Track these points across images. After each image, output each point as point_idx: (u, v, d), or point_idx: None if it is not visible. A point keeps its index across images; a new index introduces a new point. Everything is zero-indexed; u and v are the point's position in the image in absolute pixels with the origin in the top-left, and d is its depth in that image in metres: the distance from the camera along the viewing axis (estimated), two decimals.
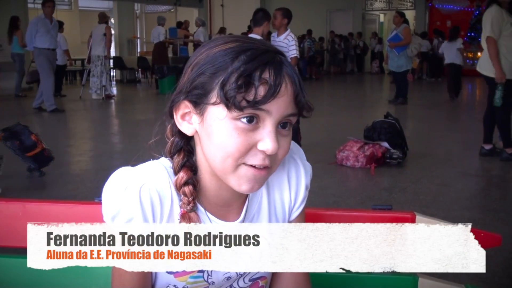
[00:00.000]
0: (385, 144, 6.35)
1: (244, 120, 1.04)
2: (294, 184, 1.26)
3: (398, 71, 12.30)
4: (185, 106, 1.11)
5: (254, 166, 1.08)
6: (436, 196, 5.12)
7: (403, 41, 11.82)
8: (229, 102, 1.03)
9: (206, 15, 23.29)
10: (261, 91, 1.02)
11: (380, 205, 1.63)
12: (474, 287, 1.55)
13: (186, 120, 1.13)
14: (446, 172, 6.12)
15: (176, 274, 1.17)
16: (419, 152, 6.94)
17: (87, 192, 5.05)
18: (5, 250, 1.70)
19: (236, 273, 1.22)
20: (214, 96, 1.06)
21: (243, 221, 1.20)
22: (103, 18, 13.78)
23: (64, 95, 14.73)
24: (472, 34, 22.38)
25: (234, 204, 1.20)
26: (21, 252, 1.74)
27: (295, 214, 1.28)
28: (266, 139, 1.05)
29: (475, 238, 1.53)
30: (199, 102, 1.08)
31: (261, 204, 1.24)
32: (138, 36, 23.90)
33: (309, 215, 1.49)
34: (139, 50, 23.24)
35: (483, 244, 1.55)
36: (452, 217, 4.18)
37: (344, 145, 6.41)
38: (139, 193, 1.10)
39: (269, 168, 1.10)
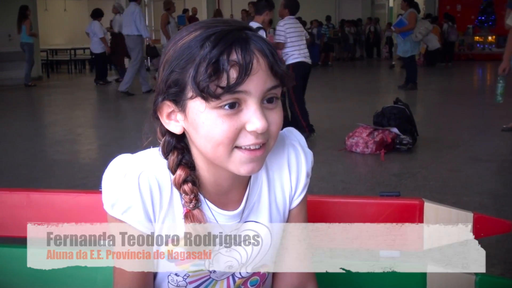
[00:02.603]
0: (395, 130, 6.31)
1: (226, 107, 1.02)
2: (294, 171, 1.25)
3: (404, 56, 12.27)
4: (168, 106, 1.10)
5: (248, 149, 1.06)
6: (446, 181, 5.09)
7: (406, 26, 11.74)
8: (204, 93, 1.01)
9: (214, 2, 23.19)
10: (233, 73, 1.01)
11: (387, 192, 1.61)
12: (484, 274, 1.52)
13: (172, 119, 1.12)
14: (456, 157, 6.09)
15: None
16: (429, 138, 6.90)
17: (96, 181, 5.03)
18: (10, 240, 1.69)
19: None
20: (190, 91, 1.04)
21: (243, 209, 1.19)
22: (166, 4, 13.94)
23: (110, 81, 14.82)
24: (483, 18, 22.20)
25: (234, 192, 1.19)
26: (26, 242, 1.73)
27: (296, 201, 1.26)
28: (252, 119, 1.04)
29: (485, 224, 1.52)
30: (178, 99, 1.07)
31: (261, 191, 1.23)
32: (147, 24, 23.84)
33: (315, 203, 1.48)
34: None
35: (493, 231, 1.53)
36: (462, 203, 4.16)
37: (354, 131, 6.37)
38: (138, 180, 1.10)
39: (265, 145, 1.08)
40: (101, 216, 1.54)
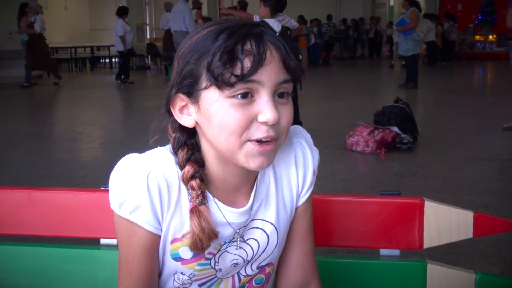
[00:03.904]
0: (395, 129, 6.31)
1: (239, 96, 1.04)
2: (301, 169, 1.25)
3: (406, 55, 12.29)
4: (181, 99, 1.11)
5: (260, 141, 1.07)
6: (447, 180, 5.09)
7: (408, 25, 11.76)
8: (218, 81, 1.03)
9: (215, 1, 23.17)
10: (247, 62, 1.02)
11: (388, 190, 1.61)
12: (484, 273, 1.53)
13: (185, 113, 1.12)
14: (456, 156, 6.09)
15: (183, 261, 1.17)
16: (429, 137, 6.90)
17: (97, 179, 5.06)
18: (12, 238, 1.70)
19: (243, 260, 1.22)
20: (204, 81, 1.06)
21: (251, 206, 1.20)
22: (196, 4, 13.89)
23: (132, 82, 14.58)
24: (484, 17, 22.19)
25: (242, 189, 1.20)
26: (27, 240, 1.74)
27: (303, 199, 1.27)
28: (264, 110, 1.05)
29: (485, 223, 1.52)
30: (191, 91, 1.08)
31: (269, 189, 1.23)
32: (147, 22, 23.85)
33: (317, 201, 1.48)
34: (148, 37, 23.22)
35: (493, 230, 1.54)
36: (462, 202, 4.16)
37: (354, 130, 6.38)
38: (146, 180, 1.10)
39: (276, 140, 1.09)
40: (103, 214, 1.55)
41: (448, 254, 3.15)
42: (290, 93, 1.10)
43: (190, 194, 1.12)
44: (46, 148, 6.90)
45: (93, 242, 1.62)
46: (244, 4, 11.33)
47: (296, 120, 6.74)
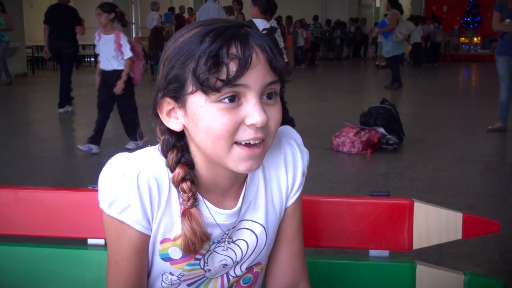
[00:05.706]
0: (381, 130, 6.33)
1: (226, 100, 1.03)
2: (291, 170, 1.25)
3: (386, 56, 12.46)
4: (168, 103, 1.10)
5: (248, 145, 1.06)
6: (432, 181, 5.11)
7: (387, 26, 11.93)
8: (204, 87, 1.02)
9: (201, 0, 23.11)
10: (233, 66, 1.01)
11: (378, 191, 1.61)
12: (473, 274, 1.53)
13: (172, 117, 1.11)
14: (442, 157, 6.12)
15: (172, 261, 1.16)
16: (415, 138, 6.93)
17: (82, 178, 5.03)
18: None
19: (233, 260, 1.21)
20: (190, 86, 1.04)
21: (240, 207, 1.19)
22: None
23: None
24: (469, 19, 22.35)
25: (231, 191, 1.19)
26: (14, 240, 1.72)
27: (292, 200, 1.27)
28: (252, 113, 1.04)
29: (474, 224, 1.53)
30: (178, 95, 1.07)
31: (258, 190, 1.22)
32: (133, 21, 23.74)
33: (306, 202, 1.48)
34: (134, 36, 23.11)
35: (481, 231, 1.54)
36: (448, 203, 4.17)
37: (340, 131, 6.40)
38: (136, 179, 1.09)
39: (264, 142, 1.08)
40: (91, 214, 1.54)
41: (434, 255, 3.17)
42: (278, 93, 1.09)
43: (181, 197, 1.12)
44: (31, 147, 6.85)
45: (81, 242, 1.60)
46: (240, 3, 11.27)
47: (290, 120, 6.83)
